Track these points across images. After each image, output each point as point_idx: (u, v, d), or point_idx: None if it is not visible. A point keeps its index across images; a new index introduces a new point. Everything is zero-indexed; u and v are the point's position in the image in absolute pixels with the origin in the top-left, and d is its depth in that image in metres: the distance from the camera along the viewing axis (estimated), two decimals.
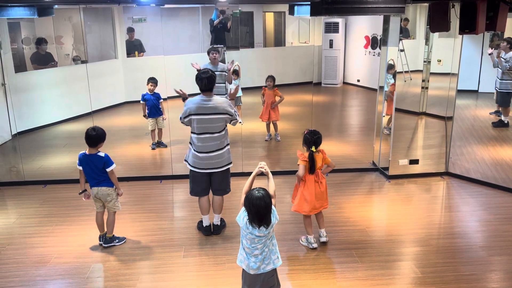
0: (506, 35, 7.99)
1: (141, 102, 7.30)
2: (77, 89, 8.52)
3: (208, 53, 7.17)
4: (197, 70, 4.81)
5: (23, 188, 6.09)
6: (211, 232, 4.81)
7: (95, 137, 4.31)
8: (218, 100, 4.51)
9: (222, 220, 4.91)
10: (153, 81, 7.26)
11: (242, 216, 3.08)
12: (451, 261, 4.29)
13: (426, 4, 5.89)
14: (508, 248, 4.51)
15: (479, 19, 4.88)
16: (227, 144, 4.65)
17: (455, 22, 5.27)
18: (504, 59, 7.71)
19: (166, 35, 9.81)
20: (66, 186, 6.08)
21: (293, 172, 4.49)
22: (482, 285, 3.93)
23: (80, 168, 4.44)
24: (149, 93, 7.25)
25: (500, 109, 8.10)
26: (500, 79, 7.82)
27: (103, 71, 9.70)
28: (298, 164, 4.39)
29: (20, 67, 8.64)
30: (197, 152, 4.53)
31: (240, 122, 4.80)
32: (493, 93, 8.14)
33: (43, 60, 8.86)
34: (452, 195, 5.91)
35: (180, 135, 7.87)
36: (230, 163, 4.70)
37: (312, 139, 4.34)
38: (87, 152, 4.37)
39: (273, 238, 3.18)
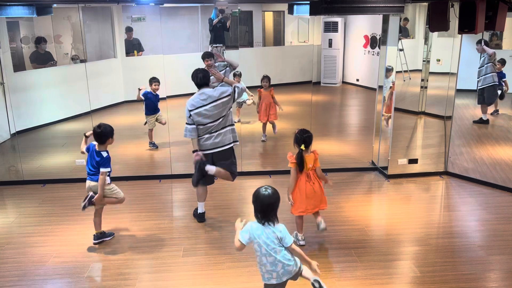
0: (505, 35, 7.98)
1: (141, 96, 7.20)
2: (76, 88, 8.50)
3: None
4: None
5: (22, 188, 6.09)
6: (204, 220, 5.03)
7: (99, 133, 4.41)
8: (212, 90, 4.74)
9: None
10: (155, 80, 7.18)
11: (248, 227, 3.10)
12: (450, 260, 4.29)
13: (426, 4, 5.89)
14: (507, 248, 4.52)
15: (478, 19, 4.89)
16: (230, 124, 4.81)
17: (454, 22, 5.27)
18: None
19: (165, 34, 9.80)
20: (65, 186, 6.08)
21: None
22: (480, 284, 3.94)
23: (84, 150, 4.55)
24: (152, 93, 7.22)
25: (495, 107, 8.05)
26: (484, 75, 7.74)
27: (102, 70, 9.68)
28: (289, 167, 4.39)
29: (19, 66, 8.62)
30: (203, 142, 4.79)
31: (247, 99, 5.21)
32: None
33: (42, 59, 8.85)
34: (451, 194, 5.91)
35: (179, 136, 7.86)
36: (236, 141, 4.91)
37: (302, 138, 4.35)
38: (96, 148, 4.46)
39: (286, 254, 3.11)
